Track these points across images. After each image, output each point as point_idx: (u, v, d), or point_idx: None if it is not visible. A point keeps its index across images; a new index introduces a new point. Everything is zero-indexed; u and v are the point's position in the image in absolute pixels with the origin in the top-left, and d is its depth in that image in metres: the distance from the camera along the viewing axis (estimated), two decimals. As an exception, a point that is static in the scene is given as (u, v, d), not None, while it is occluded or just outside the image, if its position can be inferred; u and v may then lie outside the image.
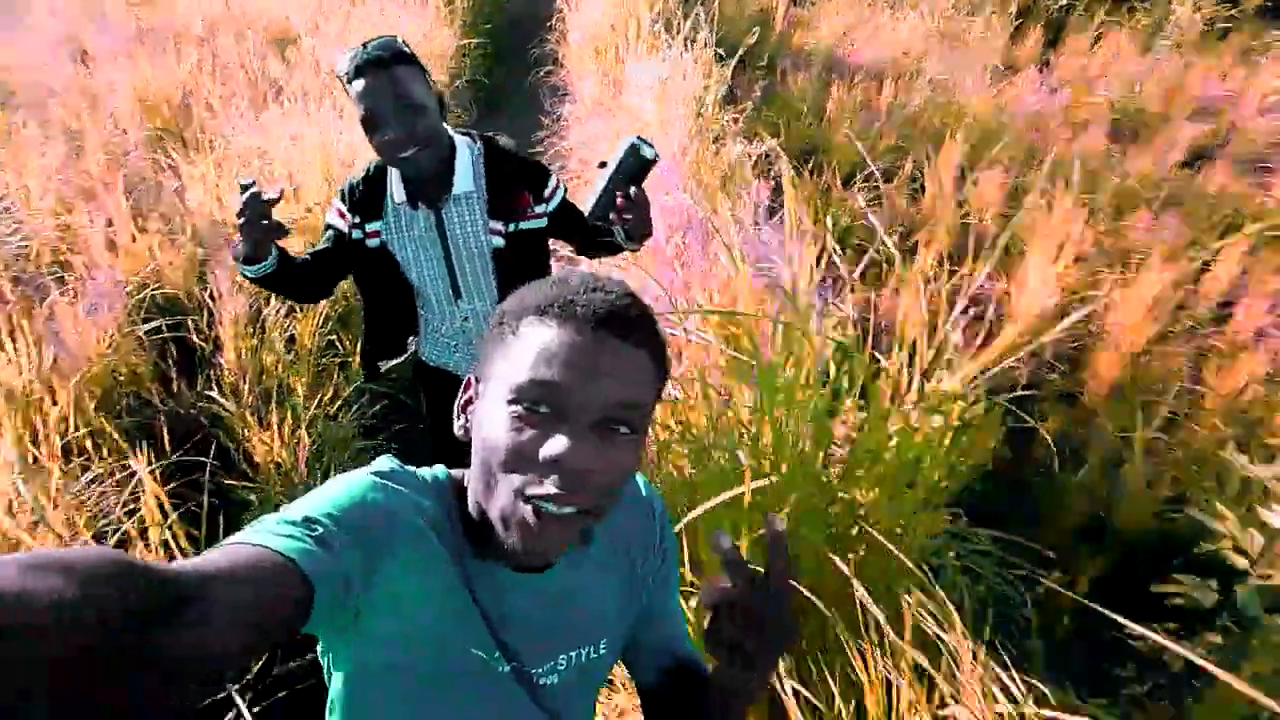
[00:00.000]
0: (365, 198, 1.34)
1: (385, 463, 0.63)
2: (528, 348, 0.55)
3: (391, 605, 0.56)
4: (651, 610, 0.73)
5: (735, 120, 2.68)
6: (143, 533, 1.43)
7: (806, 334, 1.42)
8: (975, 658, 0.97)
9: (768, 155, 3.17)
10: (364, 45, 1.21)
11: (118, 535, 1.41)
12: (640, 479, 0.74)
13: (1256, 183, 4.16)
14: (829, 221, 2.05)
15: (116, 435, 1.63)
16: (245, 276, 1.25)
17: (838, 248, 1.77)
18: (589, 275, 0.60)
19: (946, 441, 1.34)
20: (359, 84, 1.20)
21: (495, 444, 0.55)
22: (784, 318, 1.46)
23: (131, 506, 1.49)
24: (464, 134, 1.35)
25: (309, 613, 0.48)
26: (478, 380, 0.62)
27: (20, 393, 1.60)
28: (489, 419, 0.56)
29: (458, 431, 0.63)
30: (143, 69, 3.72)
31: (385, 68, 1.19)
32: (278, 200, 1.17)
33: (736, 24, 5.32)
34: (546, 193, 1.34)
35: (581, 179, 2.94)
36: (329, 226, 1.36)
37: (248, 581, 0.44)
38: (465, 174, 1.31)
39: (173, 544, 1.44)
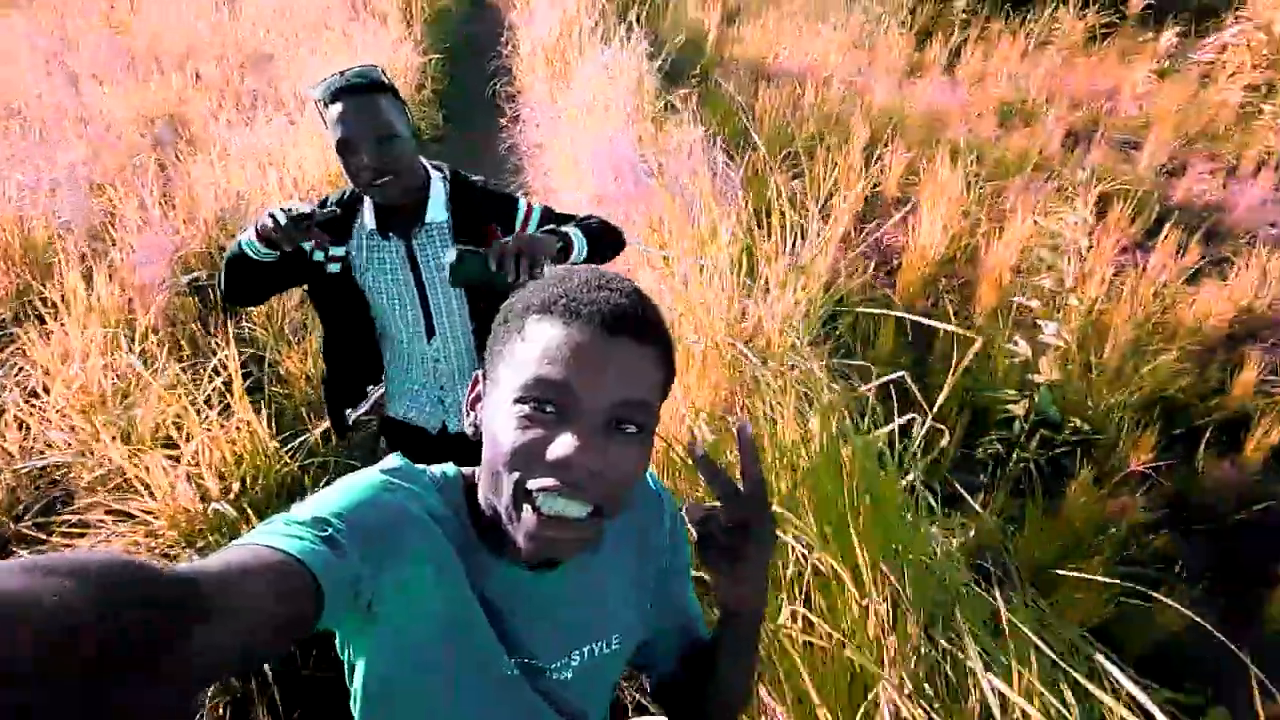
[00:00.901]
0: (335, 220, 1.31)
1: (395, 461, 0.63)
2: (533, 346, 0.56)
3: (401, 604, 0.57)
4: (667, 602, 0.74)
5: (671, 106, 3.24)
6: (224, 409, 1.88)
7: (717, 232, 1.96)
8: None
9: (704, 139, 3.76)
10: (341, 73, 1.22)
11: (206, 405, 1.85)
12: (651, 479, 0.75)
13: (1124, 158, 4.94)
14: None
15: (184, 343, 2.07)
16: (242, 251, 1.23)
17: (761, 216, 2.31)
18: (595, 272, 0.60)
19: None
20: (335, 109, 1.20)
21: (502, 444, 0.55)
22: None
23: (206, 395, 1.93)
24: (436, 167, 1.35)
25: (319, 614, 0.48)
26: (485, 378, 0.63)
27: (112, 311, 2.05)
28: (496, 418, 0.57)
29: (467, 429, 0.65)
30: (135, 87, 4.14)
31: (362, 94, 1.19)
32: (325, 217, 1.21)
33: (672, 37, 6.00)
34: (517, 223, 1.33)
35: (546, 175, 3.46)
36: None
37: (257, 583, 0.44)
38: (438, 205, 1.31)
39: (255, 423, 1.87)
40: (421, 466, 0.64)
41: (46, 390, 2.00)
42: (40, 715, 0.29)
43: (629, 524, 0.69)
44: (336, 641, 0.64)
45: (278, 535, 0.50)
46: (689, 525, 0.60)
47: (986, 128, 5.08)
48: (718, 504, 0.59)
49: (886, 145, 4.32)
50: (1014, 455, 2.08)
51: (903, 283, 3.32)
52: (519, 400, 0.55)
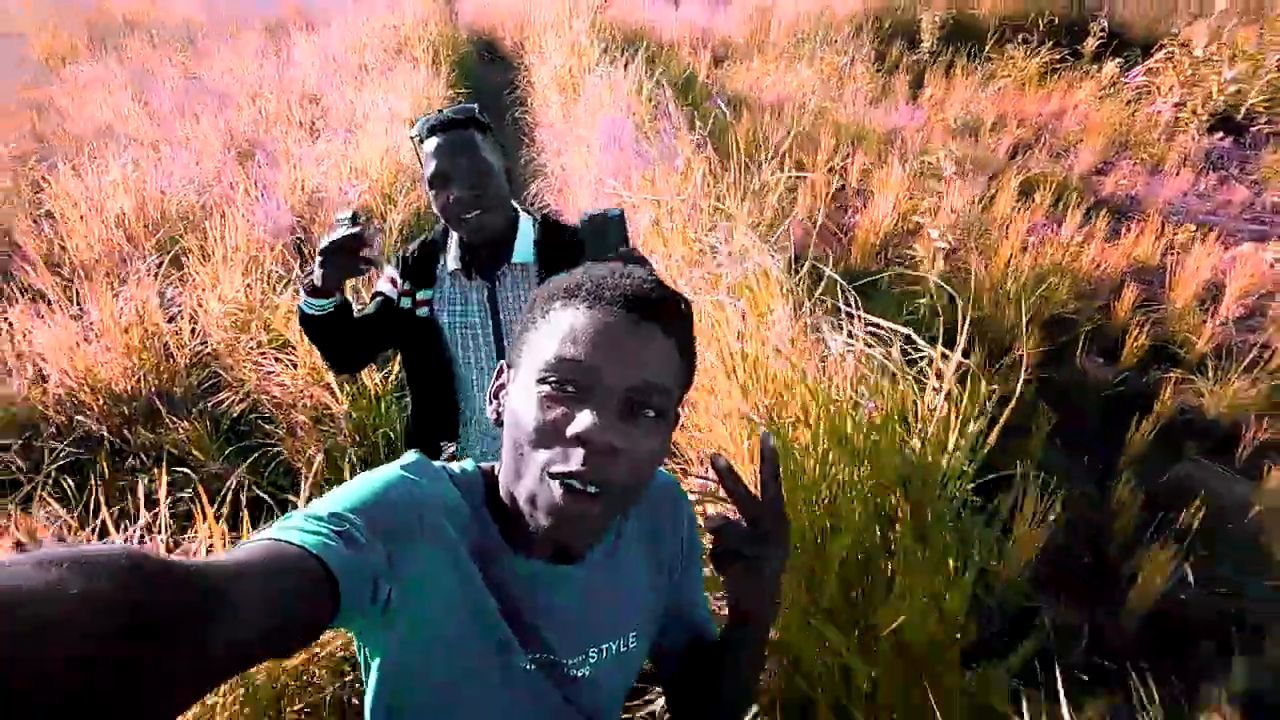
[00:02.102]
0: (418, 264, 1.34)
1: (413, 457, 0.65)
2: (556, 329, 0.59)
3: (418, 600, 0.58)
4: (679, 603, 0.77)
5: (662, 106, 4.10)
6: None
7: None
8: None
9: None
10: (440, 110, 1.27)
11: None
12: (665, 474, 0.77)
13: (1060, 164, 5.78)
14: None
15: (294, 280, 2.85)
16: (304, 312, 1.24)
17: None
18: (617, 264, 0.64)
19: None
20: (431, 142, 1.23)
21: (524, 422, 0.58)
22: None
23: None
24: (528, 211, 1.37)
25: (336, 609, 0.49)
26: (509, 366, 0.65)
27: (246, 248, 2.83)
28: (518, 399, 0.60)
29: (490, 416, 0.67)
30: (214, 119, 5.04)
31: (459, 129, 1.23)
32: (372, 239, 1.18)
33: (669, 74, 6.96)
34: None
35: (562, 166, 4.30)
36: (377, 294, 1.36)
37: (273, 578, 0.45)
38: (525, 246, 1.32)
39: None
40: (440, 463, 0.66)
41: (201, 305, 2.76)
42: (53, 709, 0.29)
43: (647, 523, 0.73)
44: (355, 644, 0.65)
45: (295, 531, 0.50)
46: (707, 533, 0.64)
47: (939, 142, 5.95)
48: (730, 491, 0.62)
49: (849, 156, 5.18)
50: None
51: (856, 250, 4.09)
52: (541, 380, 0.58)
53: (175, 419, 2.24)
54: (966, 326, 1.62)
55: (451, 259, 1.32)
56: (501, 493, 0.64)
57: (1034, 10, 10.03)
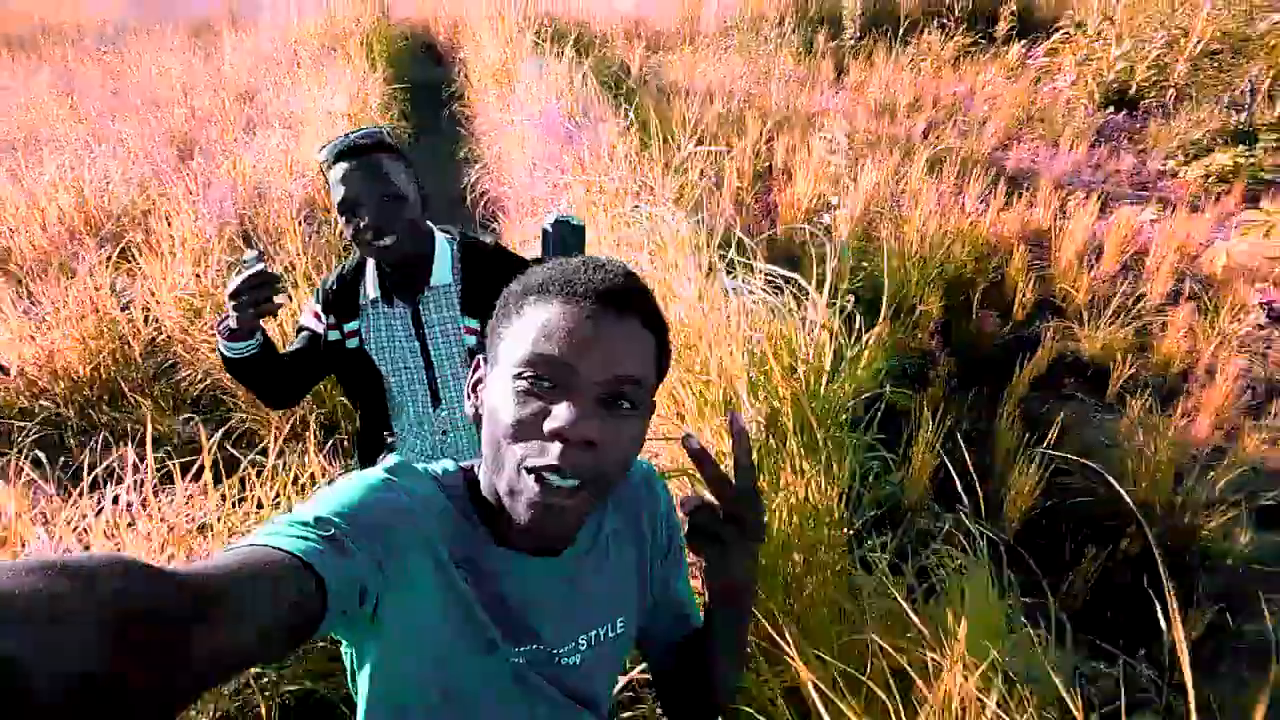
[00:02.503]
0: (340, 297, 1.34)
1: (395, 459, 0.66)
2: (531, 324, 0.60)
3: (404, 604, 0.59)
4: (663, 591, 0.79)
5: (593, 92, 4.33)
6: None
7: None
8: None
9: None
10: (347, 134, 1.25)
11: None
12: (644, 463, 0.78)
13: (970, 139, 6.23)
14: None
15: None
16: (224, 357, 1.25)
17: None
18: (590, 257, 0.65)
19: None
20: (339, 169, 1.22)
21: (501, 418, 0.59)
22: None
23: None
24: (444, 230, 1.37)
25: (324, 614, 0.50)
26: (485, 362, 0.67)
27: (193, 240, 2.96)
28: (495, 394, 0.61)
29: (468, 411, 0.69)
30: (142, 120, 5.05)
31: (367, 154, 1.22)
32: (278, 282, 1.17)
33: (601, 69, 7.18)
34: None
35: (498, 152, 4.49)
36: (302, 329, 1.36)
37: (261, 583, 0.45)
38: (443, 267, 1.32)
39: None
40: (422, 465, 0.67)
41: (153, 294, 2.89)
42: (38, 714, 0.29)
43: (627, 511, 0.74)
44: (343, 651, 0.67)
45: (281, 535, 0.51)
46: (681, 514, 0.64)
47: (861, 123, 6.33)
48: (709, 495, 0.63)
49: (773, 138, 5.50)
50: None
51: (780, 223, 4.40)
52: (517, 376, 0.59)
53: (138, 398, 2.38)
54: (882, 287, 1.91)
55: (370, 286, 1.33)
56: (483, 488, 0.66)
57: (948, -4, 10.58)
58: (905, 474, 2.36)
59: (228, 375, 2.43)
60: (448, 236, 1.37)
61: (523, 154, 3.70)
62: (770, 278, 1.93)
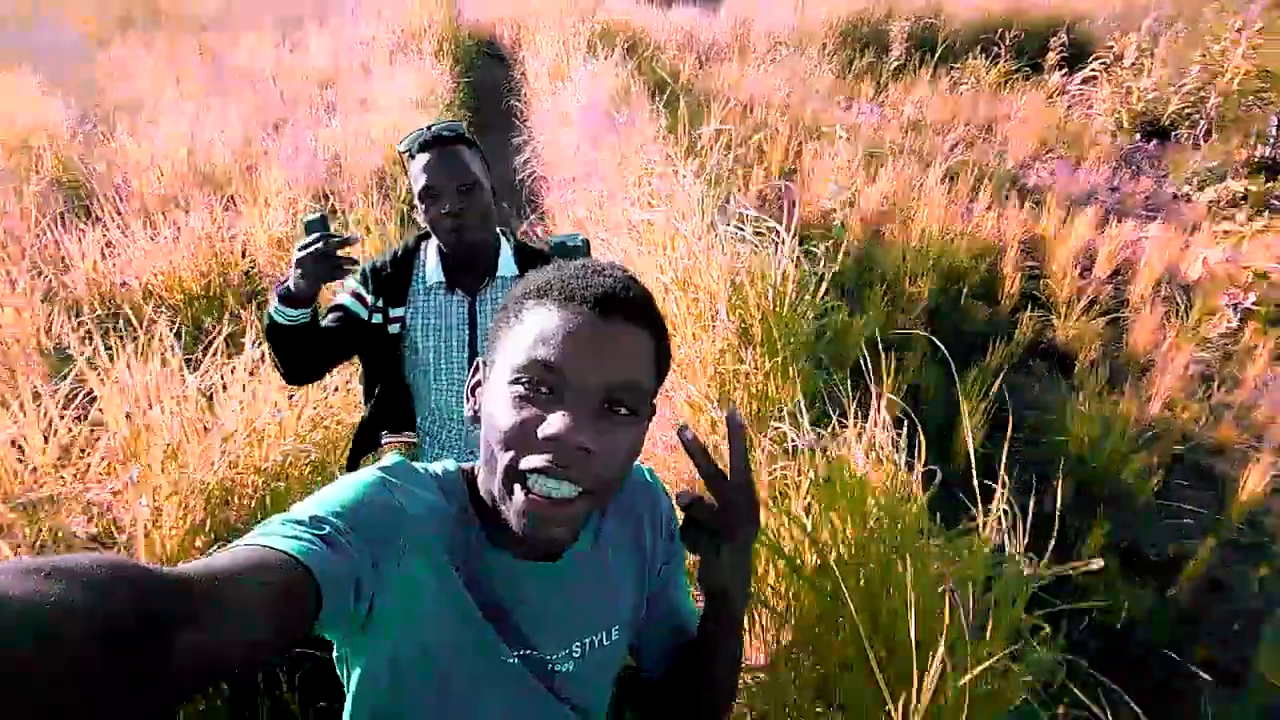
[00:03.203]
0: (391, 281, 1.35)
1: (393, 459, 0.67)
2: (529, 329, 0.60)
3: (401, 601, 0.60)
4: (661, 600, 0.79)
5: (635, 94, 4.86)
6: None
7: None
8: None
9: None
10: (428, 127, 1.30)
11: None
12: (644, 470, 0.79)
13: (997, 152, 6.58)
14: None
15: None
16: (274, 321, 1.25)
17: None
18: (590, 261, 0.65)
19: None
20: (421, 158, 1.27)
21: (497, 423, 0.59)
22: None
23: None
24: (502, 231, 1.42)
25: (318, 613, 0.50)
26: (485, 365, 0.67)
27: (285, 189, 3.57)
28: (492, 399, 0.61)
29: (467, 414, 0.68)
30: (240, 101, 5.77)
31: (448, 145, 1.28)
32: (347, 241, 1.19)
33: (651, 74, 7.75)
34: None
35: (548, 135, 5.04)
36: (338, 308, 1.35)
37: (254, 583, 0.46)
38: (507, 261, 1.38)
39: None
40: (421, 465, 0.68)
41: (249, 234, 3.48)
42: (32, 714, 0.30)
43: (626, 520, 0.75)
44: (334, 654, 0.66)
45: (275, 535, 0.52)
46: (676, 507, 0.67)
47: (893, 137, 6.74)
48: (698, 464, 0.64)
49: (802, 145, 5.95)
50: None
51: (799, 218, 4.84)
52: (514, 381, 0.59)
53: (239, 309, 2.96)
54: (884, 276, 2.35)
55: (432, 271, 1.37)
56: (481, 491, 0.66)
57: (1003, 25, 10.93)
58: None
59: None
60: (506, 237, 1.43)
61: (569, 139, 4.23)
62: (759, 230, 2.40)
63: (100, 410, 1.83)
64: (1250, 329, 3.58)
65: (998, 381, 2.59)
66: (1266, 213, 4.84)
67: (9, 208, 3.34)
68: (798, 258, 2.21)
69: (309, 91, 6.10)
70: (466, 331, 1.36)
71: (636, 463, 0.74)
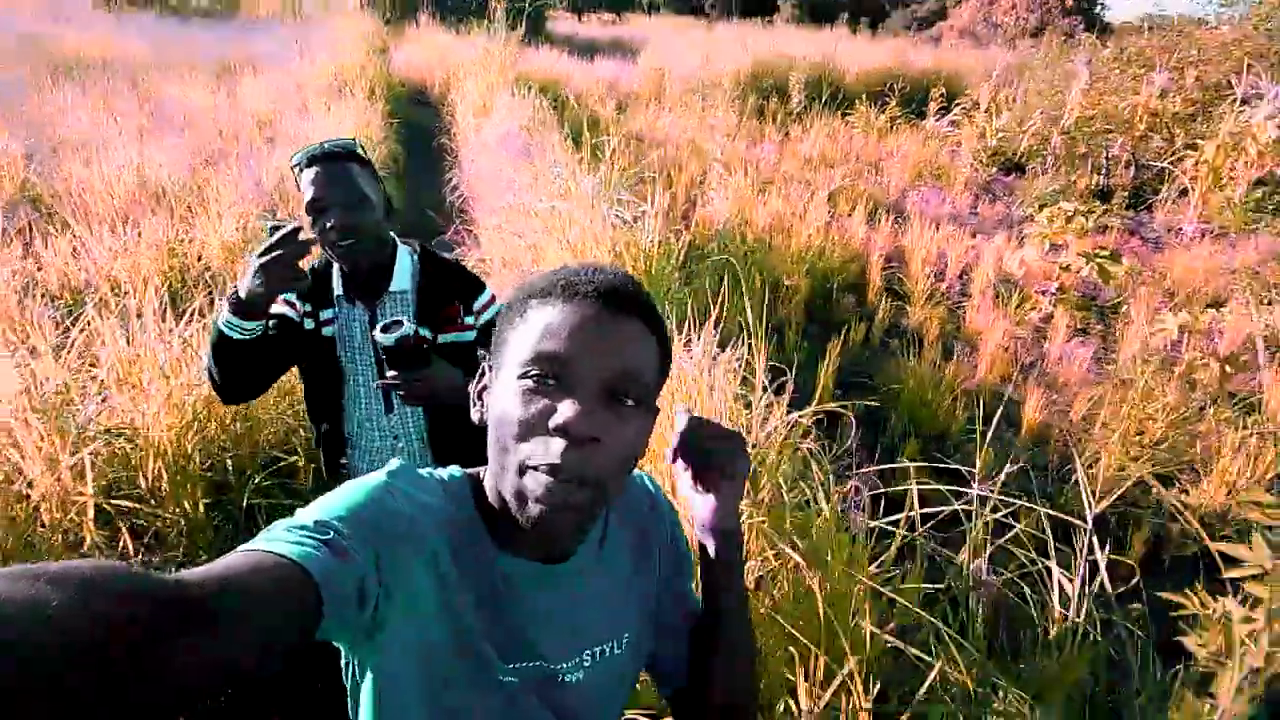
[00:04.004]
0: (316, 286, 1.40)
1: (398, 464, 0.68)
2: (534, 326, 0.62)
3: (404, 609, 0.60)
4: (672, 608, 0.81)
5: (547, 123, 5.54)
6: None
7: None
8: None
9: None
10: (321, 143, 1.34)
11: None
12: (645, 477, 0.83)
13: (876, 181, 7.54)
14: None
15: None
16: (223, 334, 1.25)
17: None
18: (590, 262, 0.70)
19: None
20: (310, 172, 1.31)
21: (506, 417, 0.61)
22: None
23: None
24: (406, 242, 1.45)
25: (319, 618, 0.50)
26: (490, 368, 0.68)
27: (233, 206, 4.04)
28: (500, 396, 0.63)
29: (474, 418, 0.70)
30: (177, 144, 6.18)
31: (336, 160, 1.32)
32: (310, 244, 1.21)
33: (574, 117, 8.53)
34: (478, 305, 1.41)
35: (473, 163, 5.65)
36: (274, 316, 1.37)
37: (255, 589, 0.46)
38: (403, 275, 1.41)
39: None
40: (426, 471, 0.69)
41: (204, 242, 3.92)
42: None
43: (630, 526, 0.77)
44: (342, 663, 0.68)
45: (278, 541, 0.52)
46: (678, 428, 0.73)
47: (792, 173, 7.64)
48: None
49: (705, 175, 6.75)
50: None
51: (697, 231, 5.57)
52: (522, 375, 0.61)
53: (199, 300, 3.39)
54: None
55: (336, 284, 1.41)
56: (488, 493, 0.68)
57: (890, 78, 12.30)
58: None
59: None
60: (409, 248, 1.46)
61: (491, 163, 4.85)
62: (636, 216, 3.05)
63: (99, 346, 2.28)
64: (1060, 312, 4.42)
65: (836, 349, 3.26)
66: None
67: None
68: (667, 236, 2.85)
69: (248, 130, 6.55)
70: (370, 344, 1.39)
71: (639, 472, 0.80)
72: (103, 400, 2.14)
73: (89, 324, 2.45)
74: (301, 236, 1.18)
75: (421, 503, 0.64)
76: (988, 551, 1.73)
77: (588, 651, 0.71)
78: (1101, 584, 1.64)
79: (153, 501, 2.04)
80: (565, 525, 0.61)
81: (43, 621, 0.32)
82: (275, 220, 1.22)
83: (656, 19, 29.39)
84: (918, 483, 2.11)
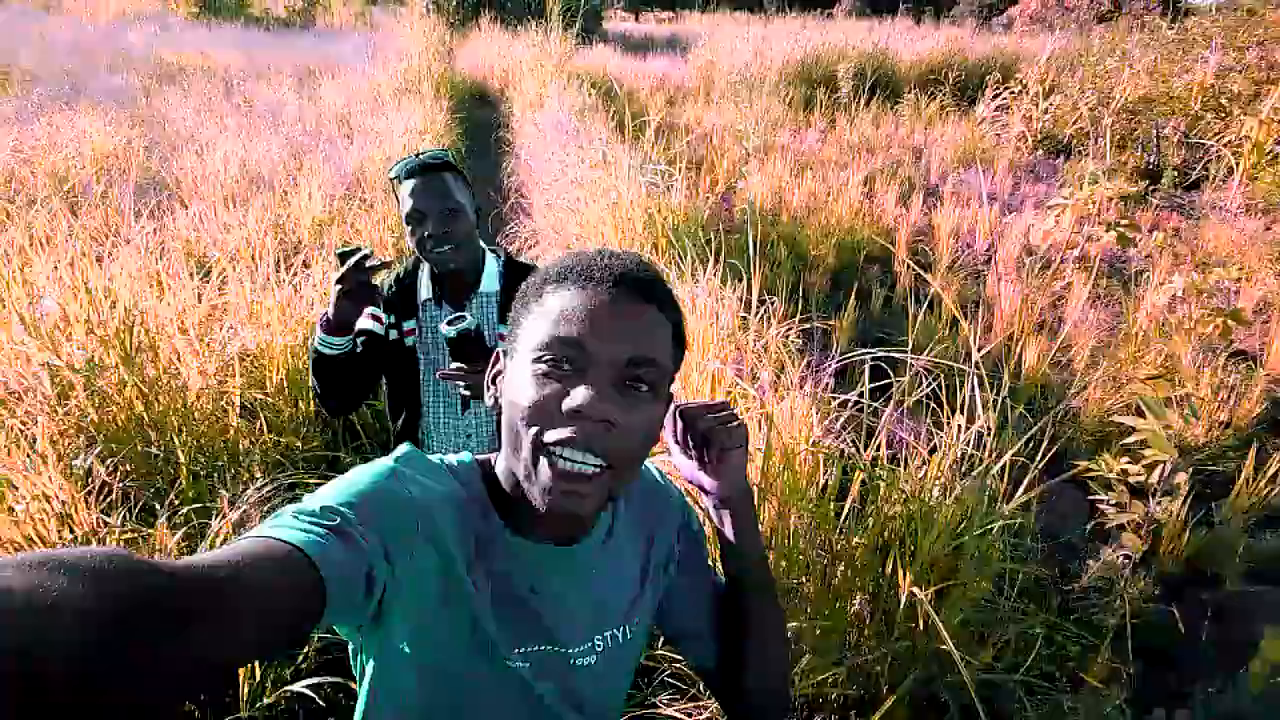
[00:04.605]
0: (398, 298, 1.50)
1: (405, 449, 0.69)
2: (550, 311, 0.63)
3: (411, 595, 0.61)
4: (692, 591, 0.83)
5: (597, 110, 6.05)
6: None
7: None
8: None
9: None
10: (417, 154, 1.43)
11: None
12: (657, 472, 0.84)
13: (916, 165, 7.78)
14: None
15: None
16: (320, 353, 1.37)
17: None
18: (605, 248, 0.72)
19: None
20: (409, 184, 1.40)
21: (520, 400, 0.62)
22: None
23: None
24: (492, 250, 1.56)
25: (324, 606, 0.51)
26: (505, 353, 0.70)
27: (322, 188, 4.68)
28: (515, 380, 0.64)
29: (489, 402, 0.71)
30: (270, 137, 6.95)
31: (434, 172, 1.40)
32: (380, 267, 1.30)
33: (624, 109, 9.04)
34: None
35: (527, 147, 6.21)
36: (361, 332, 1.46)
37: (259, 576, 0.47)
38: (491, 277, 1.51)
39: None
40: (435, 456, 0.71)
41: (297, 219, 4.57)
42: (33, 710, 0.30)
43: (639, 514, 0.79)
44: (350, 650, 0.69)
45: (284, 527, 0.53)
46: (668, 427, 0.73)
47: (832, 158, 7.96)
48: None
49: (748, 161, 7.15)
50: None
51: (735, 210, 5.98)
52: (537, 359, 0.62)
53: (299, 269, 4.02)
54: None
55: (424, 288, 1.48)
56: (500, 476, 0.70)
57: (945, 67, 12.41)
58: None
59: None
60: (495, 254, 1.56)
61: (543, 147, 5.40)
62: (669, 185, 3.51)
63: (231, 295, 2.89)
64: (1080, 279, 4.66)
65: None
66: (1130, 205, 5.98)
67: (114, 200, 4.44)
68: (695, 201, 3.31)
69: (330, 125, 7.29)
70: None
71: (650, 464, 0.81)
72: (234, 332, 2.72)
73: (220, 275, 3.05)
74: (379, 257, 1.30)
75: (429, 487, 0.66)
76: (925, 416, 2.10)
77: (599, 636, 0.73)
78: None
79: (278, 401, 2.61)
80: (578, 506, 0.62)
81: (50, 608, 0.32)
82: (346, 247, 1.32)
83: (715, 16, 29.74)
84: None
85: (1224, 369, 3.29)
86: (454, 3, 17.02)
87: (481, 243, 1.56)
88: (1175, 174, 7.29)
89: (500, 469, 0.71)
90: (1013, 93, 9.01)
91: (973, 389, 1.82)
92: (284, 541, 0.51)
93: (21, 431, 1.93)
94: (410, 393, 1.55)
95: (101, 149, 5.53)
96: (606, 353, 0.62)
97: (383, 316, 1.50)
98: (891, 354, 2.06)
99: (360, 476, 0.63)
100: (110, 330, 2.31)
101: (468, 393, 1.34)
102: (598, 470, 0.61)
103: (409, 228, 1.43)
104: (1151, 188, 7.20)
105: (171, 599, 0.39)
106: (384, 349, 1.50)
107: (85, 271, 2.54)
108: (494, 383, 0.72)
